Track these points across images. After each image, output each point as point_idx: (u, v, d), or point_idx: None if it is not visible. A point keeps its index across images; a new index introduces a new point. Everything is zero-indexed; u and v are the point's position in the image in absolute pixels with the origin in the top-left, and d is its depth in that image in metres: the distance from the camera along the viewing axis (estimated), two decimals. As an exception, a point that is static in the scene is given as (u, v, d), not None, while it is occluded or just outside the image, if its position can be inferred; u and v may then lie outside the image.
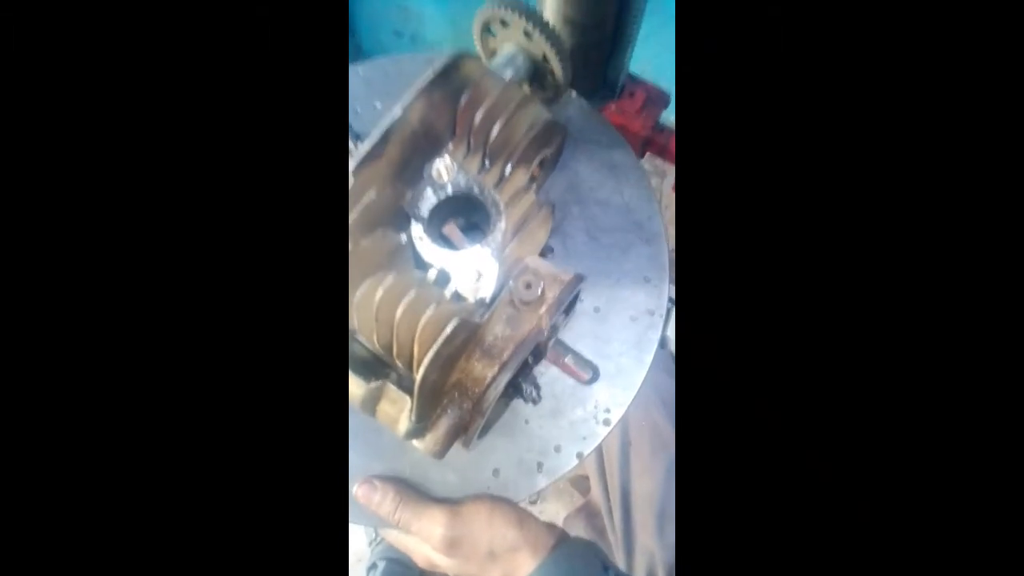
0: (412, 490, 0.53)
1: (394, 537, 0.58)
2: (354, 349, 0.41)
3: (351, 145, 0.66)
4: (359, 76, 0.72)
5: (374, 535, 1.25)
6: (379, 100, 0.70)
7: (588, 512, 0.97)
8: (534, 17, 0.53)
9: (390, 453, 0.55)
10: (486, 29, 0.60)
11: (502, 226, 0.38)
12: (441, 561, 0.53)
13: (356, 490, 0.53)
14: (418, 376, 0.32)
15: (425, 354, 0.32)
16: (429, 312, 0.33)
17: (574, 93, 0.67)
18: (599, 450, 0.82)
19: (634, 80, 0.81)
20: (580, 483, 1.24)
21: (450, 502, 0.53)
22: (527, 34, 0.55)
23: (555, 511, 1.29)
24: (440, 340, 0.31)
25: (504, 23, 0.57)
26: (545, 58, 0.56)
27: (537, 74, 0.59)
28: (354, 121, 0.68)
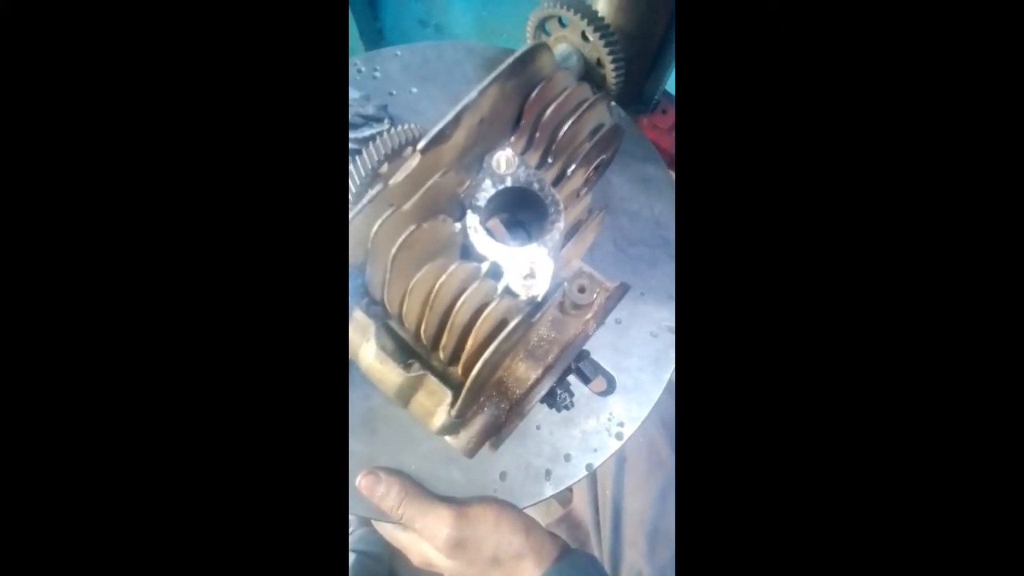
0: (417, 486, 0.51)
1: (389, 532, 0.56)
2: (386, 336, 0.39)
3: (385, 125, 0.65)
4: (398, 58, 0.70)
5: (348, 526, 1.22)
6: (416, 85, 0.69)
7: (570, 523, 0.96)
8: (596, 20, 0.53)
9: (396, 445, 0.53)
10: (540, 27, 0.59)
11: (560, 226, 0.37)
12: (441, 562, 0.51)
13: (359, 481, 0.51)
14: (473, 371, 0.31)
15: (481, 348, 0.31)
16: (492, 306, 0.31)
17: (612, 103, 0.66)
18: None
19: (669, 97, 0.81)
20: (561, 493, 1.22)
21: (454, 501, 0.51)
22: (585, 36, 0.55)
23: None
24: (501, 336, 0.30)
25: (562, 23, 0.56)
26: (599, 63, 0.56)
27: (587, 77, 0.58)
28: (390, 103, 0.67)
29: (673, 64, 0.75)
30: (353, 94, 0.65)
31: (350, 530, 1.21)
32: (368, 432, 0.53)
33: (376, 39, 1.45)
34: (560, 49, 0.56)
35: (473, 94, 0.33)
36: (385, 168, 0.43)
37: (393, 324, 0.40)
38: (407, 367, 0.36)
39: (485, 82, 0.34)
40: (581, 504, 0.90)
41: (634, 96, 0.78)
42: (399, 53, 0.70)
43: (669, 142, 0.80)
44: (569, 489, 1.00)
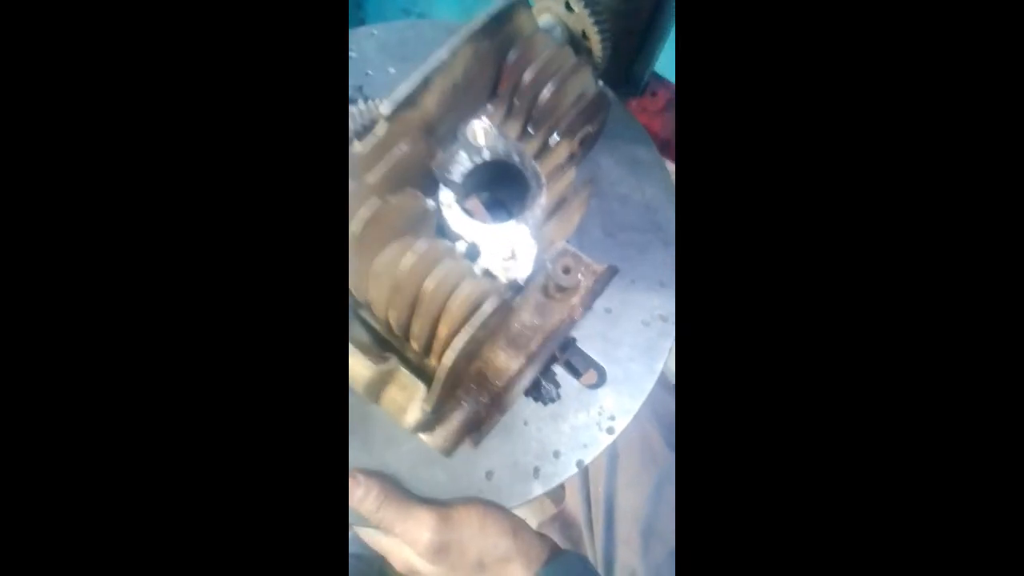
0: (398, 488, 0.48)
1: (370, 537, 0.53)
2: (359, 327, 0.36)
3: (361, 105, 0.62)
4: (374, 38, 0.67)
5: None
6: (393, 65, 0.65)
7: (563, 522, 0.93)
8: (580, -12, 0.49)
9: (376, 444, 0.50)
10: (522, -2, 0.56)
11: (542, 202, 0.34)
12: (424, 568, 0.48)
13: (335, 483, 0.48)
14: (447, 360, 0.28)
15: (454, 335, 0.28)
16: (465, 287, 0.28)
17: (600, 82, 0.63)
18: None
19: (659, 79, 0.78)
20: (553, 491, 1.20)
21: (438, 503, 0.48)
22: (568, 6, 0.52)
23: (523, 518, 1.26)
24: (477, 321, 0.27)
25: (545, -8, 0.53)
26: (584, 35, 0.53)
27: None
28: (365, 84, 0.63)
29: (662, 43, 0.72)
30: (326, 74, 0.62)
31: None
32: (345, 431, 0.50)
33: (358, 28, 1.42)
34: (543, 20, 0.52)
35: (443, 54, 0.30)
36: (357, 145, 0.40)
37: (364, 314, 0.37)
38: (381, 360, 0.33)
39: (456, 40, 0.31)
40: (574, 502, 0.87)
41: (622, 78, 0.75)
42: (375, 32, 0.67)
43: (660, 125, 0.77)
44: (561, 487, 0.97)
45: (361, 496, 0.47)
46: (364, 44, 0.66)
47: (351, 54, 0.66)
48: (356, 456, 0.50)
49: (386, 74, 0.65)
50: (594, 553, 0.78)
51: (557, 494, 1.16)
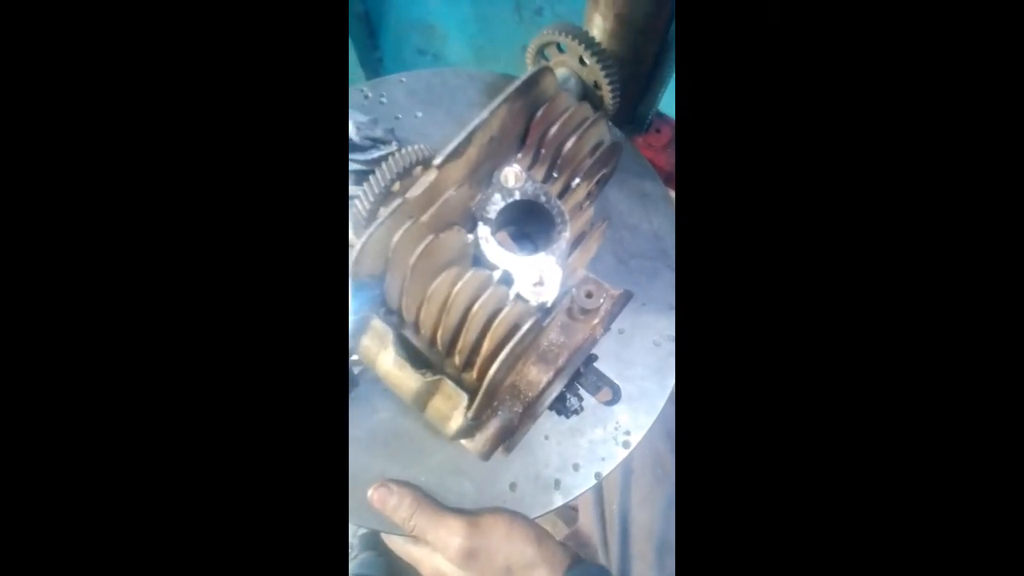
0: (429, 498, 0.52)
1: (400, 546, 0.56)
2: (400, 346, 0.41)
3: (392, 147, 0.67)
4: (402, 85, 0.73)
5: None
6: (420, 110, 0.71)
7: (577, 541, 0.95)
8: (593, 45, 0.56)
9: (406, 458, 0.54)
10: (540, 53, 0.63)
11: (566, 235, 0.39)
12: (453, 573, 0.51)
13: (371, 493, 0.52)
14: (489, 372, 0.32)
15: (496, 350, 0.32)
16: (506, 309, 0.33)
17: (610, 122, 0.69)
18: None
19: (662, 117, 0.84)
20: (565, 512, 1.22)
21: (465, 512, 0.52)
22: (582, 61, 0.58)
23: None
24: (516, 337, 0.32)
25: (560, 48, 0.60)
26: (596, 85, 0.59)
27: (585, 99, 0.61)
28: (396, 127, 0.69)
29: (665, 85, 0.78)
30: (361, 118, 0.68)
31: (353, 554, 1.20)
32: (378, 445, 0.54)
33: (375, 67, 1.49)
34: (559, 73, 0.58)
35: (484, 114, 0.36)
36: (397, 186, 0.45)
37: (407, 333, 0.42)
38: (424, 374, 0.37)
39: (496, 102, 0.36)
40: (588, 521, 0.90)
41: (628, 117, 0.82)
42: (403, 80, 0.73)
43: (664, 159, 0.83)
44: (574, 508, 1.00)
45: (395, 505, 0.51)
46: (394, 90, 0.73)
47: (382, 100, 0.72)
48: (387, 469, 0.54)
49: (414, 118, 0.71)
50: (610, 568, 0.80)
51: (569, 516, 1.18)
